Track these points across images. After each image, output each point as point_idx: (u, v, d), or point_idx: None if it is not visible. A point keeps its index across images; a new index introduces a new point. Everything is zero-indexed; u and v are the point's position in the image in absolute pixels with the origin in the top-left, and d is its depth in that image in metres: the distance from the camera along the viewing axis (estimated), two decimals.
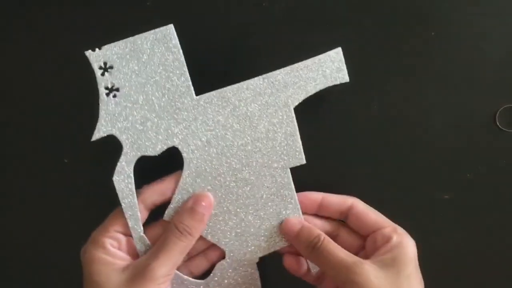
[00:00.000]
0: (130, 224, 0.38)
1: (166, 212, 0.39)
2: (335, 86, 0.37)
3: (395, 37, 0.41)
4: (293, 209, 0.39)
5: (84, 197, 0.42)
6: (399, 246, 0.36)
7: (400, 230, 0.38)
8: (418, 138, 0.41)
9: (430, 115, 0.41)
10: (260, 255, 0.40)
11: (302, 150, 0.39)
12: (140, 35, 0.37)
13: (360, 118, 0.41)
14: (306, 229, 0.39)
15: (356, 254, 0.39)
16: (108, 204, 0.38)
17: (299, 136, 0.39)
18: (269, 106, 0.39)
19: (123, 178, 0.38)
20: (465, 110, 0.41)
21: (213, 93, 0.39)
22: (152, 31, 0.37)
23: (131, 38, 0.37)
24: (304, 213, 0.40)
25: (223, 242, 0.40)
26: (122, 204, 0.38)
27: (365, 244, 0.39)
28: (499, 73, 0.40)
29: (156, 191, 0.39)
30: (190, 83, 0.38)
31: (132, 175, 0.38)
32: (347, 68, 0.37)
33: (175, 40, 0.37)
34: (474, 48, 0.41)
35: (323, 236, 0.38)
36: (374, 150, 0.41)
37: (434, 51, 0.41)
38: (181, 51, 0.37)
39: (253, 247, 0.40)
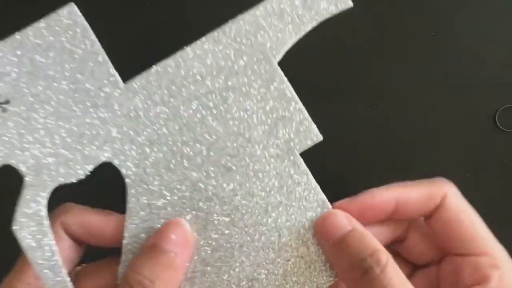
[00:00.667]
0: None
1: (119, 270, 0.26)
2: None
3: (395, 37, 0.41)
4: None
5: (84, 197, 0.42)
6: None
7: (503, 261, 0.26)
8: (418, 138, 0.41)
9: (429, 114, 0.41)
10: None
11: (311, 120, 0.28)
12: (30, 27, 0.27)
13: (359, 118, 0.41)
14: (358, 236, 0.24)
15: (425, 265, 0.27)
16: (108, 205, 0.37)
17: (298, 99, 0.28)
18: (237, 68, 0.27)
19: (29, 224, 0.26)
20: (465, 110, 0.41)
21: (149, 71, 0.27)
22: (45, 18, 0.27)
23: (18, 34, 0.27)
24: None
25: None
26: (33, 264, 0.26)
27: (443, 265, 0.27)
28: (499, 73, 0.40)
29: (85, 224, 0.26)
30: (112, 69, 0.27)
31: (45, 214, 0.26)
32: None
33: (81, 21, 0.27)
34: (474, 47, 0.40)
35: (385, 257, 0.24)
36: (374, 150, 0.41)
37: (434, 51, 0.41)
38: (92, 34, 0.28)
39: None
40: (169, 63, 0.27)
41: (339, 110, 0.41)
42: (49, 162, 0.27)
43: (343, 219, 0.25)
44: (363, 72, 0.41)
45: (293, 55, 0.39)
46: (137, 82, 0.27)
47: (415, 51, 0.41)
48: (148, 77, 0.27)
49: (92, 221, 0.26)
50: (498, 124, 0.40)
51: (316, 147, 0.40)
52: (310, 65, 0.39)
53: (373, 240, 0.24)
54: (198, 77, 0.27)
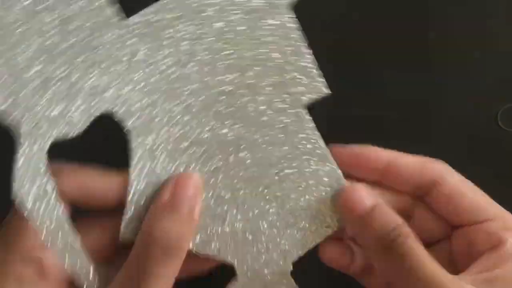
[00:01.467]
0: (69, 262, 0.24)
1: (122, 226, 0.25)
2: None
3: (395, 37, 0.41)
4: (331, 176, 0.27)
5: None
6: None
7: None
8: (419, 138, 0.41)
9: (430, 114, 0.41)
10: (294, 258, 0.27)
11: (317, 70, 0.27)
12: None
13: (360, 118, 0.41)
14: (382, 211, 0.25)
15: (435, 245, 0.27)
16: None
17: (309, 53, 0.27)
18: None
19: (30, 187, 0.24)
20: (467, 109, 0.41)
21: (156, 4, 0.25)
22: None
23: None
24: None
25: (226, 254, 0.26)
26: (43, 235, 0.24)
27: (453, 239, 0.27)
28: (501, 72, 0.41)
29: (83, 188, 0.25)
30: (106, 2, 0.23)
31: (46, 172, 0.24)
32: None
33: None
34: (475, 46, 0.41)
35: (407, 229, 0.25)
36: None
37: (434, 51, 0.41)
38: None
39: (275, 252, 0.27)
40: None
41: (339, 111, 0.41)
42: (39, 116, 0.24)
43: (365, 196, 0.26)
44: (362, 72, 0.41)
45: None
46: (140, 18, 0.24)
47: (415, 51, 0.41)
48: (155, 10, 0.24)
49: (92, 184, 0.25)
50: (500, 123, 0.40)
51: None
52: None
53: (393, 214, 0.25)
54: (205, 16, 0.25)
